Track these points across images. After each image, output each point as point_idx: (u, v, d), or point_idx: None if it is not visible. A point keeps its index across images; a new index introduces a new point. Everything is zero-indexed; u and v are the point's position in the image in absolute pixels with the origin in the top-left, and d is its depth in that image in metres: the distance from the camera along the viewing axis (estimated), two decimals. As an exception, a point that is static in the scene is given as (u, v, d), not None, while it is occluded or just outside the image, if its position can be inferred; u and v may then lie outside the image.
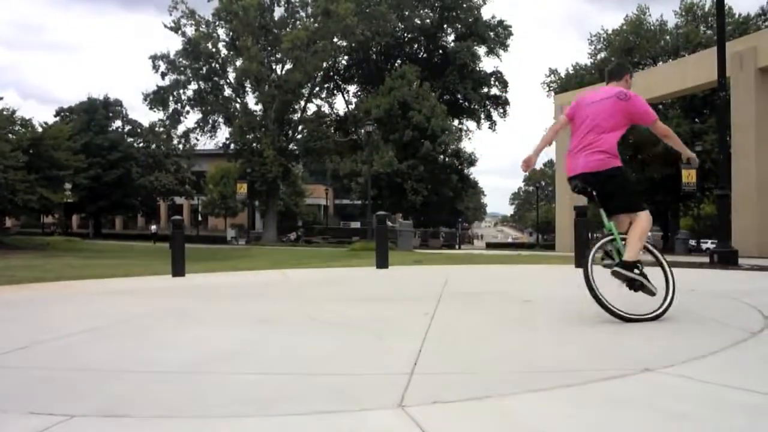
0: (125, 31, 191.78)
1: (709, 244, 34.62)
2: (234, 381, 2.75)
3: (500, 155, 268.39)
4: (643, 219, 4.41)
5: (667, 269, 4.45)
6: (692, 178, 29.64)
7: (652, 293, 4.24)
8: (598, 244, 4.52)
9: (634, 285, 4.23)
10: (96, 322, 4.54)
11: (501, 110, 55.11)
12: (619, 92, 4.59)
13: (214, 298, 6.44)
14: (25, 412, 2.24)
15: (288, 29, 41.98)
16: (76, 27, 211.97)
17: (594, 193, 4.42)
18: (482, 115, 54.83)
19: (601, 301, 4.14)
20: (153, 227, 54.05)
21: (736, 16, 41.05)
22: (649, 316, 4.16)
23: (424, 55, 53.18)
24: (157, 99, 44.15)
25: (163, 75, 43.64)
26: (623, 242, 4.41)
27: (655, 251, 4.66)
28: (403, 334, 3.91)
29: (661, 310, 4.19)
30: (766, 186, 20.35)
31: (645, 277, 4.25)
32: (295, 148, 45.45)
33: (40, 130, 32.55)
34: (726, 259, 10.76)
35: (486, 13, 53.08)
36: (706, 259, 12.08)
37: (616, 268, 4.22)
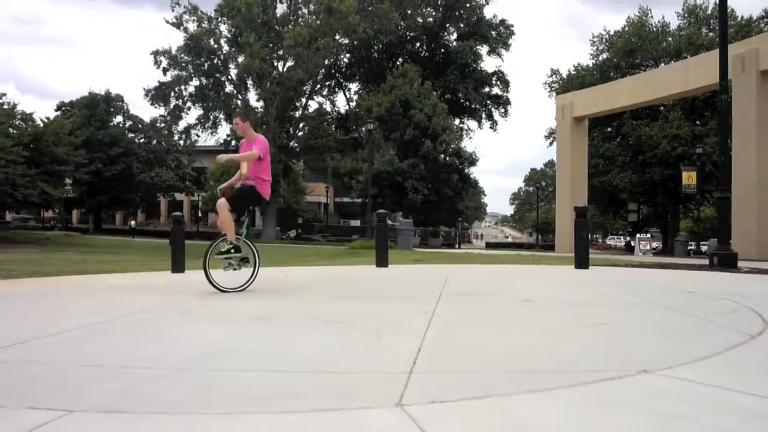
0: (124, 27, 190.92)
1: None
2: (234, 378, 2.76)
3: (501, 155, 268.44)
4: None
5: (257, 256, 6.86)
6: (692, 180, 29.67)
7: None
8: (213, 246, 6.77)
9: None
10: (95, 318, 4.54)
11: (502, 110, 55.15)
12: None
13: (213, 295, 6.43)
14: (24, 407, 2.25)
15: (290, 26, 41.95)
16: (74, 22, 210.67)
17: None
18: (483, 115, 54.86)
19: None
20: (132, 222, 54.54)
21: (739, 18, 41.05)
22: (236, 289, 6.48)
23: (426, 54, 53.17)
24: (158, 95, 44.09)
25: (165, 71, 43.58)
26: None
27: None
28: (402, 333, 3.91)
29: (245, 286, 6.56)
30: (767, 188, 20.34)
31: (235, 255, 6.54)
32: (296, 145, 45.42)
33: (41, 125, 32.53)
34: (726, 261, 10.76)
35: (488, 13, 53.14)
36: (706, 261, 12.09)
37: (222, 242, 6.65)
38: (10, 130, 29.67)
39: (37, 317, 4.84)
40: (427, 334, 3.78)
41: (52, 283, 7.97)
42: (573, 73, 47.76)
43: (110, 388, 2.59)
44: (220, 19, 42.70)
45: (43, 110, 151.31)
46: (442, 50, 53.20)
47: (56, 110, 51.30)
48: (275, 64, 43.47)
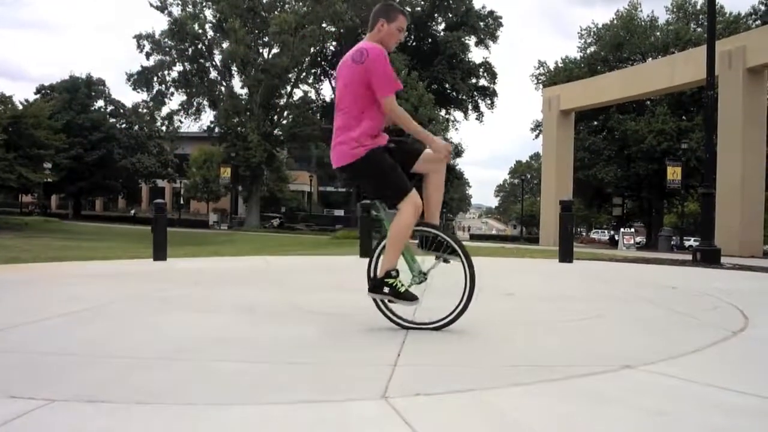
0: (105, 9, 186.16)
1: (692, 242, 35.02)
2: (216, 368, 2.74)
3: (486, 146, 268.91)
4: (404, 213, 3.52)
5: (466, 265, 3.64)
6: (677, 176, 29.93)
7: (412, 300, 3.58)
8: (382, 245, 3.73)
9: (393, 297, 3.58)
10: (76, 306, 4.49)
11: (489, 101, 55.21)
12: (355, 52, 3.59)
13: (196, 284, 6.40)
14: (4, 396, 2.21)
15: (276, 12, 41.62)
16: (52, 3, 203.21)
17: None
18: (470, 106, 54.88)
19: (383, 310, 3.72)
20: (132, 211, 54.16)
21: (727, 14, 41.36)
22: (434, 325, 3.66)
23: (414, 44, 52.99)
24: (140, 79, 43.65)
25: (148, 55, 43.15)
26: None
27: (450, 240, 3.64)
28: (386, 324, 3.90)
29: (449, 319, 3.65)
30: (751, 185, 20.60)
31: (397, 292, 3.55)
32: (280, 133, 45.25)
33: (20, 107, 32.02)
34: (709, 257, 10.90)
35: (477, 4, 53.02)
36: (689, 257, 12.23)
37: (369, 294, 3.64)
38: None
39: (15, 304, 4.77)
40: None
41: (30, 270, 7.87)
42: (560, 65, 47.92)
43: (92, 377, 2.56)
44: (205, 4, 42.33)
45: (17, 93, 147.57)
46: (430, 40, 53.07)
47: (35, 93, 50.52)
48: (260, 50, 43.20)
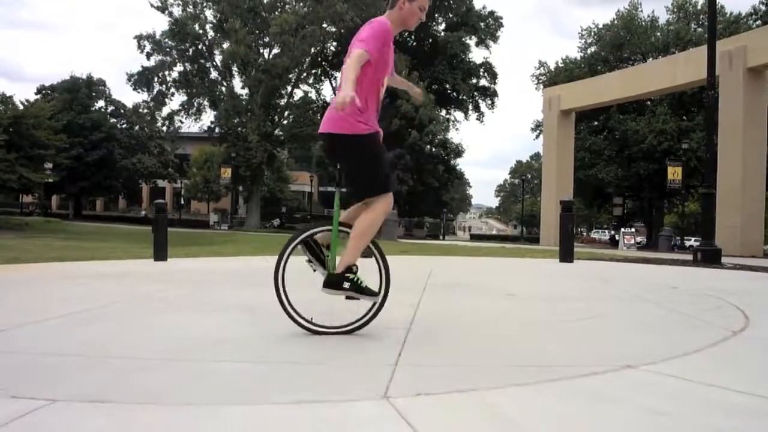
0: (105, 9, 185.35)
1: (692, 242, 34.99)
2: (217, 369, 2.74)
3: (487, 147, 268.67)
4: (377, 210, 3.44)
5: (382, 266, 3.60)
6: (677, 176, 29.92)
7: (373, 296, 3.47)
8: (304, 235, 3.62)
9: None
10: (76, 306, 4.49)
11: (489, 102, 55.22)
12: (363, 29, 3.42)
13: (197, 284, 6.39)
14: (6, 396, 2.21)
15: (277, 13, 41.59)
16: (51, 3, 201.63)
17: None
18: (470, 106, 54.89)
19: (290, 314, 3.53)
20: (143, 212, 54.25)
21: (728, 14, 41.36)
22: (346, 328, 3.53)
23: (414, 44, 53.00)
24: (141, 80, 43.60)
25: (149, 55, 43.09)
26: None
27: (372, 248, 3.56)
28: (387, 325, 3.90)
29: (362, 321, 3.55)
30: (751, 185, 20.61)
31: (358, 287, 3.41)
32: (281, 133, 45.17)
33: (21, 107, 31.99)
34: (709, 257, 10.90)
35: (477, 3, 53.06)
36: (690, 257, 12.22)
37: (324, 289, 3.48)
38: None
39: (16, 305, 4.76)
40: (412, 327, 3.79)
41: (31, 270, 7.86)
42: (561, 66, 47.93)
43: (92, 378, 2.56)
44: (205, 4, 42.26)
45: (17, 93, 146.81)
46: (431, 40, 53.08)
47: (36, 93, 50.49)
48: (261, 51, 43.13)
